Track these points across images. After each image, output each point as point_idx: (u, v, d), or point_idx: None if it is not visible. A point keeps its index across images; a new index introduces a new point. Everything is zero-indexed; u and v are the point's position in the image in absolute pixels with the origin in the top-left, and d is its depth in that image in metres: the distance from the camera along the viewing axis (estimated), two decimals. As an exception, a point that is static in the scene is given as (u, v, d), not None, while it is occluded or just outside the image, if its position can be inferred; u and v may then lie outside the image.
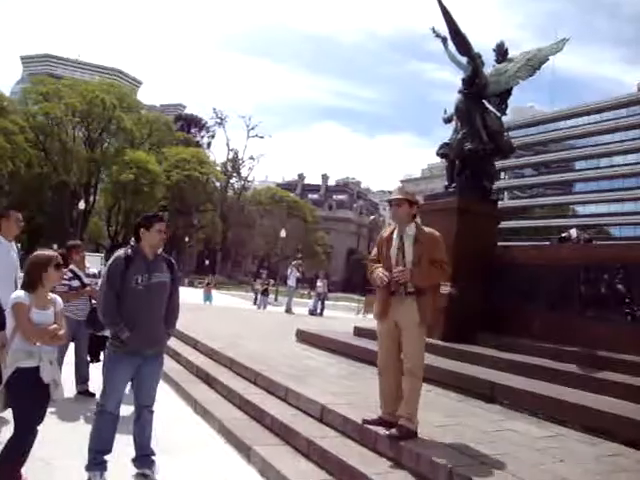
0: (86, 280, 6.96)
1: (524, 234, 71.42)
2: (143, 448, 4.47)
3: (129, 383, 4.67)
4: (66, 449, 4.75)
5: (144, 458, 4.46)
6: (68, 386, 6.80)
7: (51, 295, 4.04)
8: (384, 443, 4.52)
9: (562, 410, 5.51)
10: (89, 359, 6.99)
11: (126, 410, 4.79)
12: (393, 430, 4.54)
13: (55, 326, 3.91)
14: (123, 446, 4.53)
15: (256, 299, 33.09)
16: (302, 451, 4.94)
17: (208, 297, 28.27)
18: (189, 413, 6.76)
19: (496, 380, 6.44)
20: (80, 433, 4.81)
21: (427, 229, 4.81)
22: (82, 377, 6.88)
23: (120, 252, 4.47)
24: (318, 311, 24.39)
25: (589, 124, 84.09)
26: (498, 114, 9.93)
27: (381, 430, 4.61)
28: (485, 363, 7.42)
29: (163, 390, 7.50)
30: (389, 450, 4.45)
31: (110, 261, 4.46)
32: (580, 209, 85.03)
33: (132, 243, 4.52)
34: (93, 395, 6.44)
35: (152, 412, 4.53)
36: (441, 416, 5.41)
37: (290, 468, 4.59)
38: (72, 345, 6.95)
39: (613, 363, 6.62)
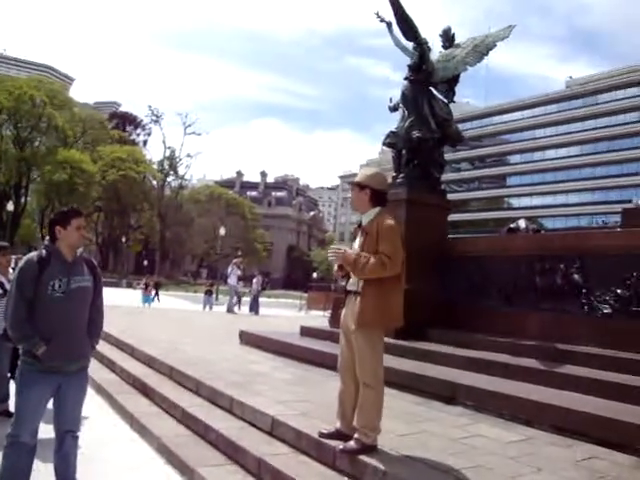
0: (8, 287, 6.19)
1: (462, 227, 72.56)
2: (68, 483, 3.82)
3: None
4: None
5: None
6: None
7: None
8: (344, 460, 4.04)
9: (529, 410, 5.18)
10: (9, 375, 6.24)
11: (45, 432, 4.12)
12: (348, 444, 4.06)
13: None
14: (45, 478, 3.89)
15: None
16: (252, 471, 4.40)
17: (147, 299, 27.25)
18: (125, 430, 6.11)
19: (456, 380, 6.07)
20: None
21: (384, 218, 4.14)
22: (1, 395, 6.14)
23: (32, 254, 3.83)
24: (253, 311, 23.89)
25: (522, 119, 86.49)
26: (446, 101, 9.64)
27: (340, 444, 4.12)
28: (442, 361, 7.06)
29: (95, 404, 6.86)
30: (350, 468, 3.96)
31: (20, 264, 3.79)
32: (515, 202, 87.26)
33: (46, 243, 3.87)
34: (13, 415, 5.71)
35: (76, 437, 3.86)
36: (402, 423, 4.98)
37: (239, 493, 4.06)
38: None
39: (574, 356, 6.37)
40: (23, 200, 67.14)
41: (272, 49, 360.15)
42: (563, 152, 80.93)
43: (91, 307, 3.85)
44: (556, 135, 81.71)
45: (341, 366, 4.34)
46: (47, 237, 3.91)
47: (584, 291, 7.08)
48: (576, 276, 7.21)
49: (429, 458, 3.97)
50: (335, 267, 4.32)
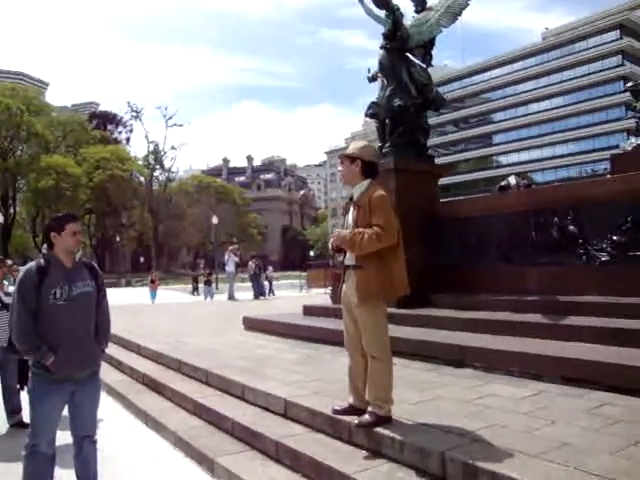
0: (6, 299, 6.16)
1: (453, 190, 72.49)
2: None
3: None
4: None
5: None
6: (-2, 421, 6.15)
7: None
8: (360, 434, 4.06)
9: (537, 364, 5.23)
10: (19, 387, 6.24)
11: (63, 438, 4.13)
12: (362, 417, 4.09)
13: None
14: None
15: (194, 290, 32.41)
16: (271, 455, 4.42)
17: (154, 295, 26.90)
18: (141, 428, 6.12)
19: (463, 343, 6.11)
20: (16, 475, 4.15)
21: (375, 189, 4.12)
22: (13, 408, 6.15)
23: (31, 264, 3.79)
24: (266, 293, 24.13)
25: (502, 76, 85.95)
26: (424, 66, 9.56)
27: (355, 419, 4.15)
28: (446, 326, 7.10)
29: (109, 405, 6.88)
30: (367, 441, 3.99)
31: (20, 276, 3.76)
32: (503, 159, 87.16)
33: (44, 251, 3.84)
34: (28, 426, 5.72)
35: (95, 442, 3.87)
36: (414, 391, 5.00)
37: (260, 477, 4.08)
38: (-2, 374, 6.22)
39: (576, 307, 6.42)
40: (12, 211, 66.79)
41: (243, 30, 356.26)
42: (546, 104, 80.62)
43: (97, 311, 3.83)
44: (537, 88, 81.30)
45: (347, 341, 4.34)
46: (44, 245, 3.87)
47: (580, 241, 7.11)
48: (571, 227, 7.23)
49: (444, 423, 3.99)
50: (330, 247, 4.32)
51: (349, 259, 4.22)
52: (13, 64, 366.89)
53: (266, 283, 26.87)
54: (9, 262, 8.90)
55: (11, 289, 6.32)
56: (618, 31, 73.97)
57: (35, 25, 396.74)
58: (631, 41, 73.86)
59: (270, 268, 32.46)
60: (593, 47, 75.87)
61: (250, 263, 24.35)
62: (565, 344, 5.60)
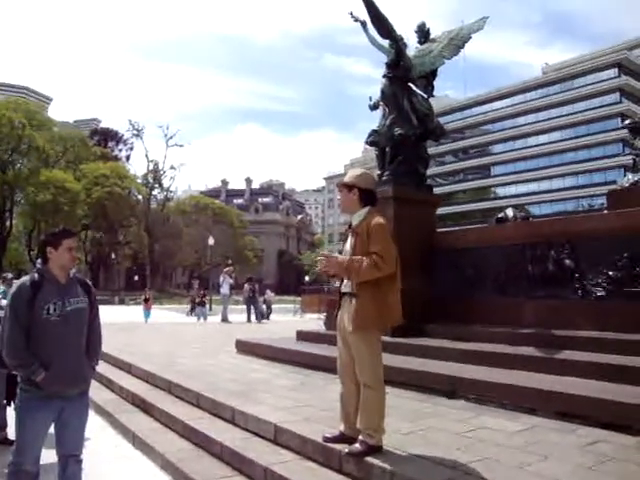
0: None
1: (450, 220, 72.72)
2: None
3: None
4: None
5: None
6: (-18, 436, 6.05)
7: None
8: (350, 463, 4.01)
9: (531, 398, 5.19)
10: (5, 402, 6.15)
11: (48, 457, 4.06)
12: (353, 446, 4.04)
13: None
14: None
15: (192, 310, 32.12)
16: (259, 481, 4.38)
17: (148, 314, 26.67)
18: (128, 448, 6.05)
19: (456, 374, 6.07)
20: (-3, 493, 4.09)
21: (373, 217, 4.12)
22: (-1, 423, 6.07)
23: (25, 278, 3.77)
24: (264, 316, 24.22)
25: (502, 108, 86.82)
26: (425, 96, 9.65)
27: (346, 448, 4.10)
28: (440, 356, 7.06)
29: (97, 424, 6.79)
30: (357, 470, 3.94)
31: (13, 290, 3.74)
32: (500, 191, 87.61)
33: (39, 265, 3.82)
34: (13, 443, 5.63)
35: (80, 461, 3.80)
36: (405, 421, 4.96)
37: (248, 504, 4.03)
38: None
39: (571, 341, 6.40)
40: (8, 223, 66.68)
41: (249, 54, 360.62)
42: (544, 138, 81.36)
43: (88, 328, 3.79)
44: (536, 122, 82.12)
45: (340, 368, 4.31)
46: (38, 260, 3.85)
47: (576, 275, 7.11)
48: (567, 261, 7.24)
49: (435, 454, 3.95)
50: (318, 270, 4.33)
51: (346, 286, 4.21)
52: (19, 78, 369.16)
53: (264, 306, 26.77)
54: (10, 275, 8.84)
55: (3, 302, 6.29)
56: (616, 69, 75.05)
57: (42, 40, 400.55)
58: (628, 79, 74.96)
59: (269, 292, 32.19)
60: (592, 84, 76.86)
61: (245, 286, 24.21)
62: (559, 378, 5.57)
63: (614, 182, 12.77)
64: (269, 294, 31.18)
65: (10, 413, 6.01)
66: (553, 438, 4.37)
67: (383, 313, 4.04)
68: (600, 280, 6.83)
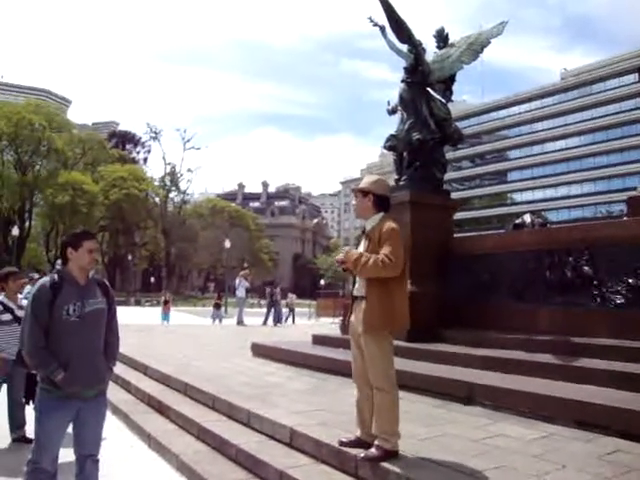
0: (19, 313, 6.15)
1: (466, 225, 72.46)
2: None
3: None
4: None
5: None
6: (1, 434, 6.10)
7: None
8: (366, 467, 4.00)
9: (548, 406, 5.14)
10: (24, 401, 6.21)
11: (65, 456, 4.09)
12: (368, 451, 4.04)
13: None
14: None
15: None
16: (274, 484, 4.38)
17: (166, 317, 26.63)
18: (143, 449, 6.08)
19: (473, 380, 6.03)
20: (16, 491, 4.13)
21: (386, 222, 4.14)
22: (17, 422, 6.12)
23: (45, 279, 3.81)
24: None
25: (519, 113, 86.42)
26: (444, 101, 9.63)
27: (361, 452, 4.09)
28: (456, 362, 7.02)
29: (113, 424, 6.81)
30: (373, 475, 3.93)
31: (33, 290, 3.78)
32: (517, 196, 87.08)
33: (58, 267, 3.86)
34: (31, 441, 5.68)
35: (97, 461, 3.83)
36: (422, 426, 4.94)
37: (263, 507, 4.03)
38: (4, 387, 6.20)
39: (589, 349, 6.33)
40: (27, 224, 67.42)
41: (267, 58, 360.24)
42: (562, 144, 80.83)
43: (106, 329, 3.83)
44: (554, 127, 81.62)
45: (355, 373, 4.32)
46: (58, 260, 3.89)
47: (595, 283, 7.04)
48: (586, 268, 7.17)
49: (452, 461, 3.93)
50: (335, 261, 4.42)
51: (357, 290, 4.26)
52: (40, 81, 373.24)
53: (285, 310, 26.75)
54: (36, 276, 8.91)
55: (24, 302, 6.34)
56: (636, 74, 74.20)
57: (62, 43, 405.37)
58: (649, 85, 74.13)
59: (292, 295, 32.04)
60: (611, 89, 76.22)
61: (267, 289, 24.64)
62: (576, 386, 5.51)
63: (633, 188, 12.64)
64: (292, 297, 31.08)
65: (29, 412, 6.09)
66: (571, 447, 4.32)
67: (390, 315, 4.07)
68: (619, 288, 6.76)
